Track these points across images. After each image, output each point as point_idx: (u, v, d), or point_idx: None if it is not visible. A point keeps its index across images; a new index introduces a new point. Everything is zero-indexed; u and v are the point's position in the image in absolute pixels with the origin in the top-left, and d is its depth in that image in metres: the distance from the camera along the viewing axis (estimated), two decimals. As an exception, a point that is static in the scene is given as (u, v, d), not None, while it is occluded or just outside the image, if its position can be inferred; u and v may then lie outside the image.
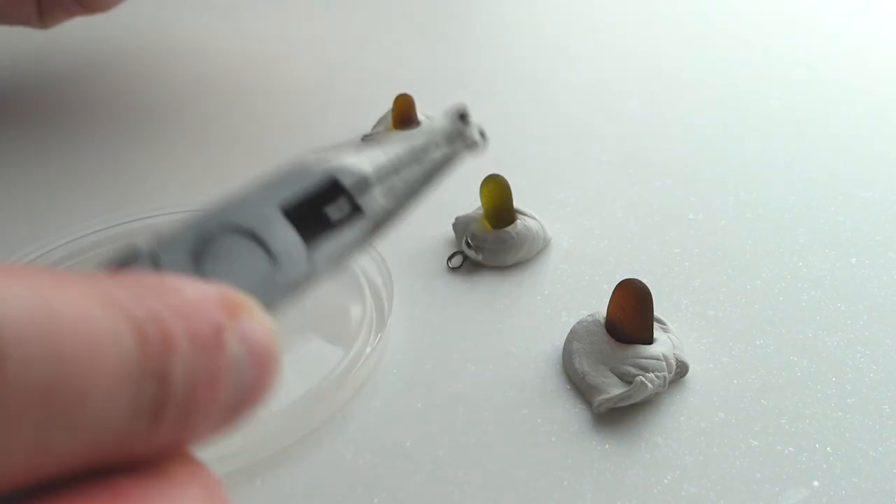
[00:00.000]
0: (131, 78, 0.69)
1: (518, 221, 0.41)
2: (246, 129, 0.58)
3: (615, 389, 0.31)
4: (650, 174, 0.49)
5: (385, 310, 0.37)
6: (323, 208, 0.17)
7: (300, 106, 0.61)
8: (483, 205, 0.41)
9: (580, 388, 0.33)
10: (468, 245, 0.41)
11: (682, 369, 0.33)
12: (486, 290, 0.39)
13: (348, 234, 0.18)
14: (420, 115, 0.53)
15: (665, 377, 0.32)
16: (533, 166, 0.50)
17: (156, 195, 0.49)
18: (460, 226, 0.42)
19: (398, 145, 0.19)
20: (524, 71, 0.67)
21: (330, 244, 0.17)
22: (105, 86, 0.68)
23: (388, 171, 0.19)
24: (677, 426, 0.31)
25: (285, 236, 0.16)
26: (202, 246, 0.16)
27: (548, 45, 0.73)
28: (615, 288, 0.33)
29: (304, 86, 0.65)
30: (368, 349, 0.35)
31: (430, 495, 0.29)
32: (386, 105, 0.54)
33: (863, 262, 0.40)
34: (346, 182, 0.18)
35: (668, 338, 0.34)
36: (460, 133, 0.21)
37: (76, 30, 0.82)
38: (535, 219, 0.42)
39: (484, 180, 0.41)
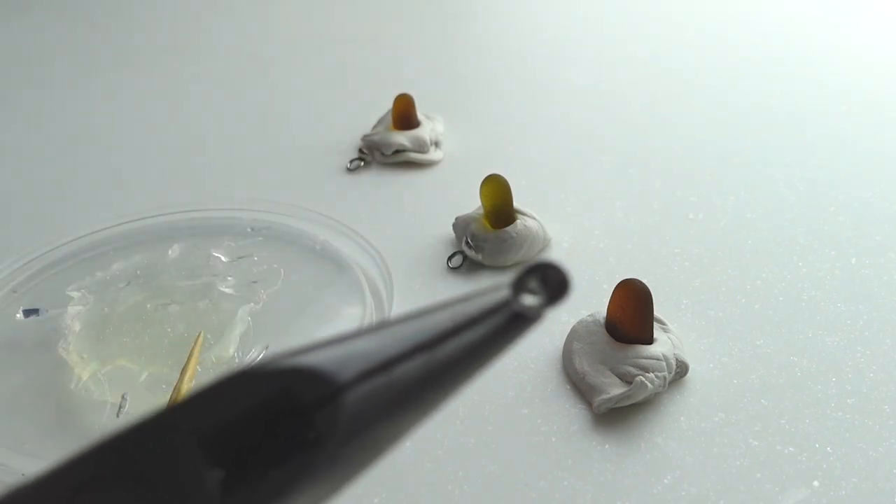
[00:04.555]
0: (130, 77, 0.69)
1: (518, 221, 0.41)
2: (246, 129, 0.58)
3: (615, 389, 0.31)
4: (650, 174, 0.49)
5: (385, 310, 0.37)
6: (265, 434, 0.12)
7: (300, 106, 0.61)
8: (483, 205, 0.41)
9: (580, 388, 0.33)
10: (468, 245, 0.41)
11: (682, 369, 0.33)
12: (486, 290, 0.39)
13: (299, 471, 0.12)
14: (420, 115, 0.53)
15: (665, 377, 0.32)
16: (533, 166, 0.50)
17: (156, 195, 0.49)
18: (460, 226, 0.42)
19: (399, 328, 0.13)
20: (524, 71, 0.67)
21: (266, 487, 0.12)
22: (105, 85, 0.68)
23: (374, 371, 0.12)
24: (677, 426, 0.31)
25: (193, 481, 0.11)
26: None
27: (548, 45, 0.73)
28: (615, 288, 0.33)
29: (304, 86, 0.65)
30: (368, 349, 0.34)
31: (430, 495, 0.29)
32: (386, 105, 0.54)
33: (863, 262, 0.40)
34: (302, 394, 0.12)
35: (668, 338, 0.34)
36: (510, 304, 0.13)
37: (75, 30, 0.82)
38: (535, 219, 0.42)
39: (484, 180, 0.41)
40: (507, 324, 0.13)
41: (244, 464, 0.12)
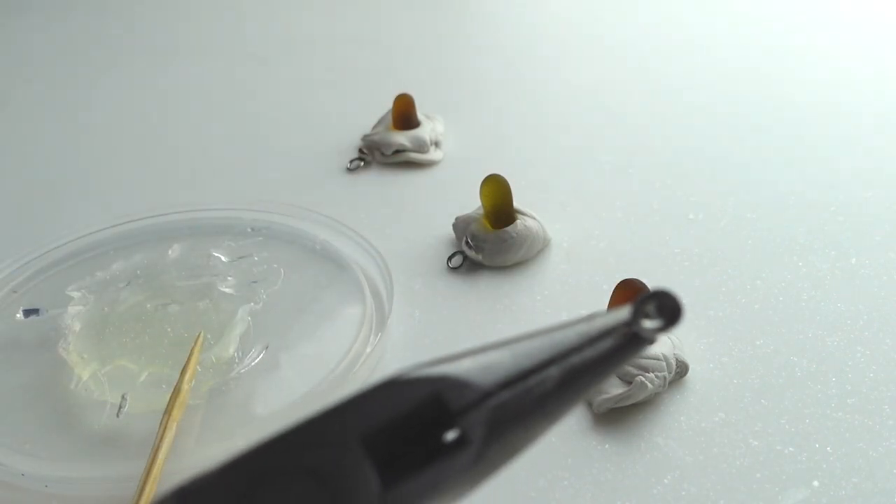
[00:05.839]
0: (131, 77, 0.69)
1: (518, 221, 0.41)
2: (246, 129, 0.58)
3: (615, 389, 0.31)
4: (650, 174, 0.49)
5: (385, 310, 0.37)
6: (419, 435, 0.13)
7: (300, 105, 0.61)
8: (483, 205, 0.41)
9: (580, 388, 0.33)
10: (468, 245, 0.41)
11: (682, 369, 0.33)
12: (486, 290, 0.39)
13: (448, 468, 0.13)
14: (420, 116, 0.53)
15: (665, 377, 0.32)
16: (533, 166, 0.50)
17: (156, 195, 0.49)
18: (460, 226, 0.42)
19: (529, 342, 0.15)
20: (524, 71, 0.67)
21: (420, 482, 0.13)
22: (105, 85, 0.68)
23: (513, 380, 0.14)
24: (677, 426, 0.31)
25: (357, 476, 0.13)
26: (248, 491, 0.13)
27: (548, 45, 0.73)
28: (615, 288, 0.33)
29: (304, 85, 0.65)
30: (368, 349, 0.35)
31: (430, 495, 0.29)
32: (386, 105, 0.54)
33: (863, 262, 0.40)
34: (450, 400, 0.13)
35: (668, 338, 0.34)
36: (630, 325, 0.15)
37: (75, 30, 0.82)
38: (535, 219, 0.42)
39: (484, 180, 0.41)
40: (626, 343, 0.14)
41: (402, 461, 0.13)
